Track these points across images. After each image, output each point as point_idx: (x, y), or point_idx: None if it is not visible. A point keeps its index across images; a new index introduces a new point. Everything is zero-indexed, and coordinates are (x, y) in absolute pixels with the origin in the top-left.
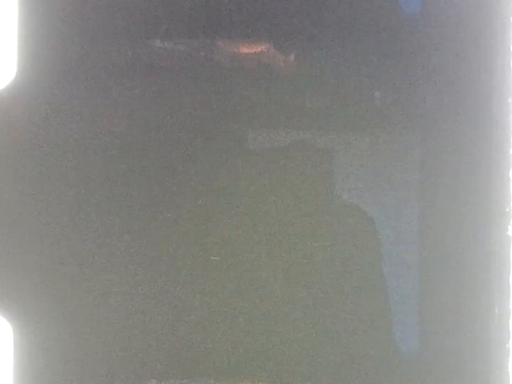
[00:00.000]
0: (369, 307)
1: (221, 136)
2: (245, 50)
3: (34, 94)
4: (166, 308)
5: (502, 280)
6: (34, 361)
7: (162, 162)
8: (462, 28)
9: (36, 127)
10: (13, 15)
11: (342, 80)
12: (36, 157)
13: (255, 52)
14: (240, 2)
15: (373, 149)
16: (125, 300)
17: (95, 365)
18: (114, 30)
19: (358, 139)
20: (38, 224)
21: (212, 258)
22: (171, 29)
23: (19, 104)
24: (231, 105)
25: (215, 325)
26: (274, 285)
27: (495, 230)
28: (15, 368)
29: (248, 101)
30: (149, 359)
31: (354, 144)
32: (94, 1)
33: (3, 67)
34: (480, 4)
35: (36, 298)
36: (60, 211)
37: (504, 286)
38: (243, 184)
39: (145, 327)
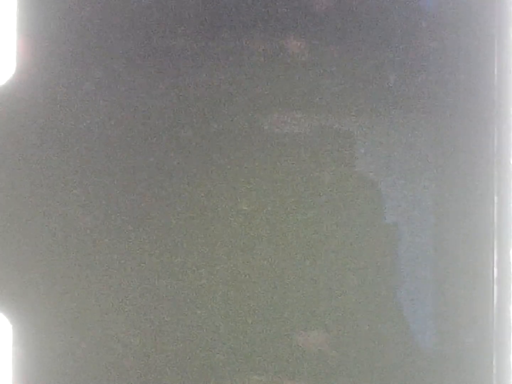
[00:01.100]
0: (376, 300)
1: (241, 122)
2: (262, 36)
3: (33, 90)
4: (167, 308)
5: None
6: (33, 358)
7: (175, 148)
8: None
9: (35, 123)
10: (13, 12)
11: (358, 65)
12: (35, 152)
13: (272, 38)
14: None
15: (389, 133)
16: (125, 299)
17: (93, 364)
18: (116, 26)
19: (374, 123)
20: (38, 222)
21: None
22: (185, 18)
23: (19, 100)
24: (250, 91)
25: (222, 326)
26: (291, 269)
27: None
28: (14, 365)
29: (266, 86)
30: (148, 358)
31: (371, 127)
32: None
33: (3, 64)
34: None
35: (36, 297)
36: (60, 210)
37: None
38: (261, 168)
39: (145, 326)
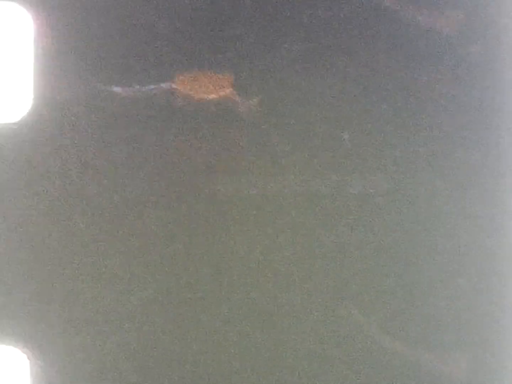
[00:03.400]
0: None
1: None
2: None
3: (48, 128)
4: (175, 315)
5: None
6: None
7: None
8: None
9: (48, 162)
10: (30, 50)
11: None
12: (42, 162)
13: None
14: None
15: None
16: (131, 303)
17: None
18: (122, 37)
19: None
20: (40, 227)
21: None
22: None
23: (34, 137)
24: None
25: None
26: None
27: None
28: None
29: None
30: (152, 362)
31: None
32: (112, 35)
33: (19, 99)
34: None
35: (38, 297)
36: (64, 214)
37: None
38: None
39: (149, 329)
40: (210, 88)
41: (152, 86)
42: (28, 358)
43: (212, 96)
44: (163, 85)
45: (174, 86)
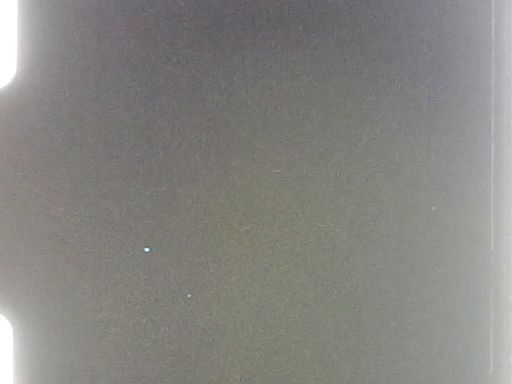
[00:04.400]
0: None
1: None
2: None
3: (34, 93)
4: (170, 310)
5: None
6: (33, 358)
7: (178, 149)
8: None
9: (36, 125)
10: (13, 13)
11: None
12: (35, 156)
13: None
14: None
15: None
16: (127, 299)
17: (94, 365)
18: (116, 27)
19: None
20: (38, 222)
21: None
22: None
23: (20, 103)
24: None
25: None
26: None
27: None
28: (14, 365)
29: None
30: (149, 360)
31: (356, 142)
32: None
33: (4, 65)
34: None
35: (36, 297)
36: (60, 210)
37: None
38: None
39: (146, 327)
40: None
41: None
42: (10, 322)
43: None
44: None
45: None
